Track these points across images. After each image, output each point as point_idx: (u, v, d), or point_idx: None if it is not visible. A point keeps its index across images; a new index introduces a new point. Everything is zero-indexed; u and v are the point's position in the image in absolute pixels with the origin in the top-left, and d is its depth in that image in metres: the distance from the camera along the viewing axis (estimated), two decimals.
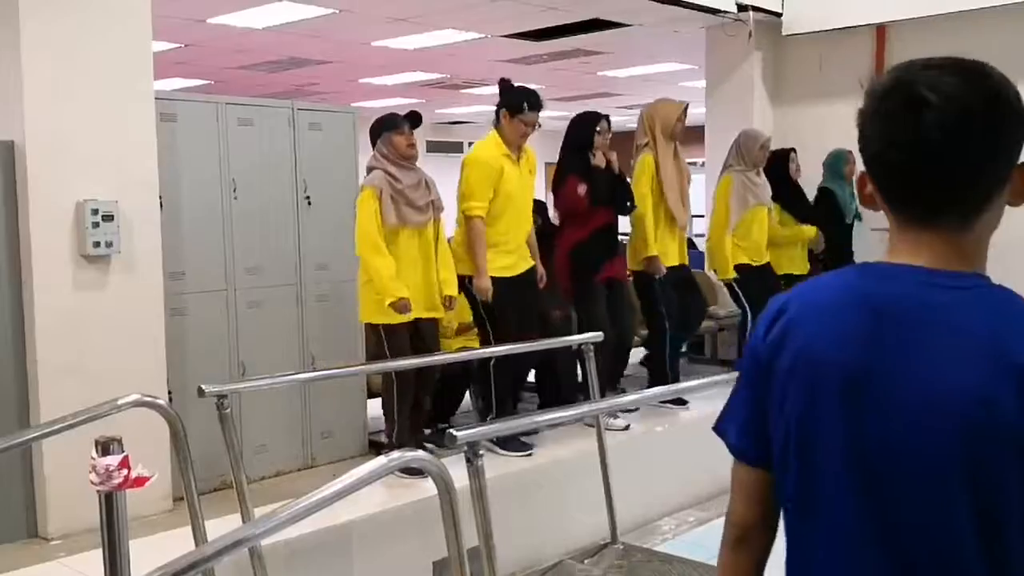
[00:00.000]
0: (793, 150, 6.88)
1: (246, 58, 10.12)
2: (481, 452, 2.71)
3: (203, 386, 3.37)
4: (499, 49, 9.78)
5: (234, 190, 5.39)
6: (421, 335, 4.84)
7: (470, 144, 17.37)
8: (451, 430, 2.68)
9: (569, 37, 9.01)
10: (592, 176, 5.57)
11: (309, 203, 5.69)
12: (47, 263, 4.44)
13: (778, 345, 1.31)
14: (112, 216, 4.53)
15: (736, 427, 1.40)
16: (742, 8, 7.61)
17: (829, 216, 6.87)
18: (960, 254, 1.26)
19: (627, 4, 7.48)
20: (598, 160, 5.61)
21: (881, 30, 7.91)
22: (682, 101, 5.99)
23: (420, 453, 2.29)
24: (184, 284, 5.18)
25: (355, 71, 11.31)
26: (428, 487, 2.39)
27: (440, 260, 4.85)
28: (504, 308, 4.99)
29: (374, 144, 4.72)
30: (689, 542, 4.73)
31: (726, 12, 7.57)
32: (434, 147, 17.57)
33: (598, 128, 5.60)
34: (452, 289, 4.82)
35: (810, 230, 6.73)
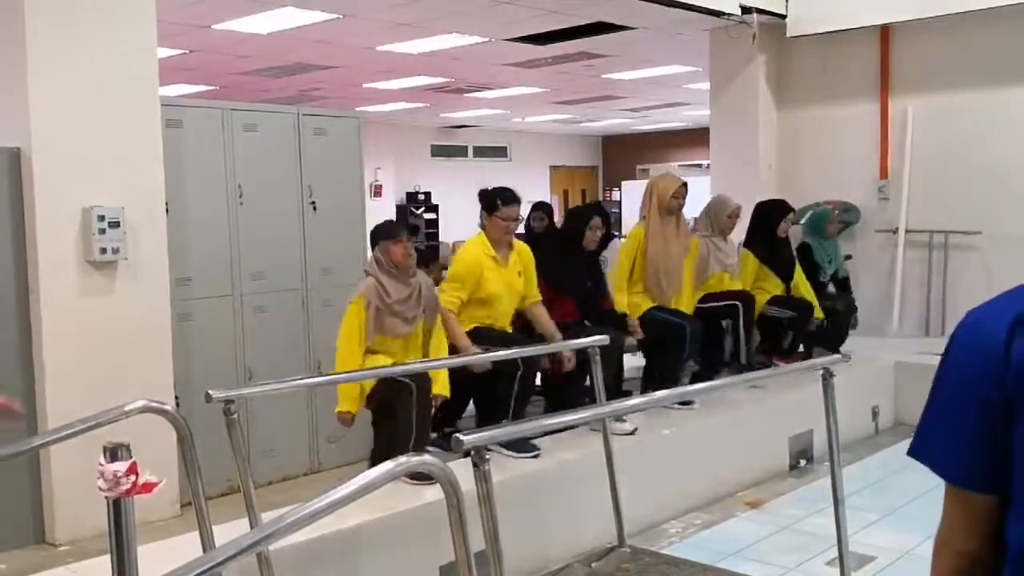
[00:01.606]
0: (792, 211, 6.85)
1: (251, 63, 10.15)
2: (487, 456, 2.71)
3: (210, 391, 3.37)
4: (503, 53, 9.79)
5: (239, 196, 5.40)
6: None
7: (474, 148, 17.52)
8: (457, 434, 2.68)
9: (573, 40, 9.02)
10: (572, 274, 5.66)
11: (314, 208, 5.70)
12: (54, 269, 4.45)
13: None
14: (118, 222, 4.55)
15: (954, 448, 1.29)
16: (746, 10, 7.60)
17: (806, 271, 6.88)
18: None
19: (631, 7, 7.48)
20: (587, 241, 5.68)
21: (885, 31, 7.91)
22: (681, 179, 6.03)
23: (427, 457, 2.29)
24: (190, 290, 5.19)
25: (360, 76, 11.32)
26: (435, 491, 2.39)
27: (432, 355, 4.83)
28: (495, 340, 5.05)
29: (373, 248, 4.74)
30: (696, 545, 4.73)
31: (730, 14, 7.57)
32: (438, 151, 17.61)
33: (590, 224, 5.68)
34: (442, 389, 4.79)
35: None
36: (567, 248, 5.73)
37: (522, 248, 5.32)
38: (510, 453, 4.82)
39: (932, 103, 7.77)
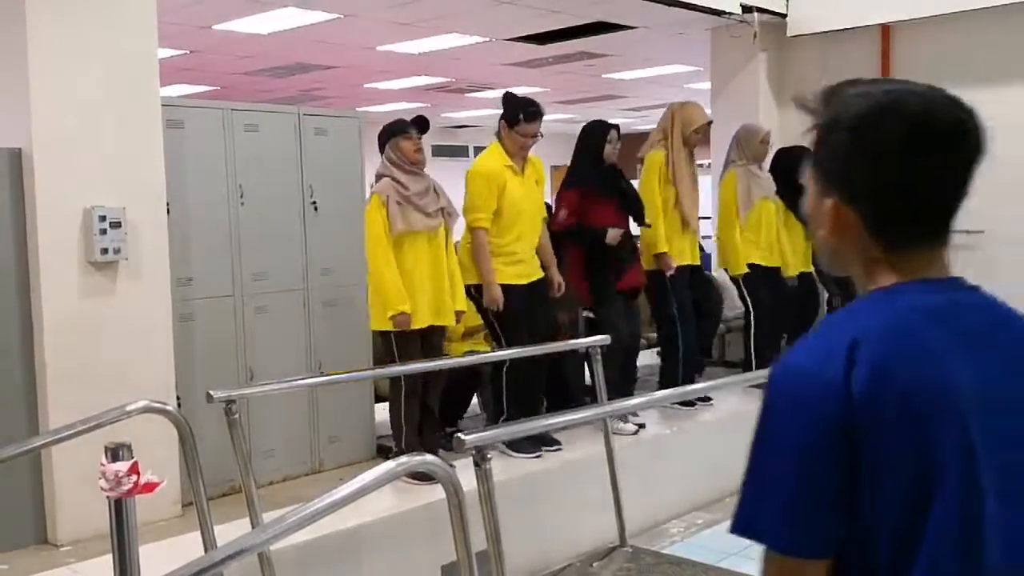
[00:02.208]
0: (807, 149, 6.86)
1: (252, 64, 10.15)
2: (489, 456, 2.71)
3: (211, 391, 3.38)
4: (504, 53, 9.79)
5: (241, 196, 5.40)
6: (430, 342, 4.84)
7: (475, 148, 17.49)
8: (459, 434, 2.68)
9: (574, 40, 9.02)
10: (608, 179, 5.58)
11: (316, 209, 5.69)
12: (55, 270, 4.45)
13: (875, 391, 1.10)
14: (119, 223, 4.55)
15: (800, 517, 1.13)
16: (747, 9, 7.60)
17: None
18: (947, 261, 1.28)
19: (631, 7, 7.48)
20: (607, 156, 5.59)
21: (886, 30, 7.90)
22: (708, 115, 5.97)
23: (428, 457, 2.29)
24: (191, 290, 5.19)
25: (360, 76, 11.32)
26: (436, 491, 2.39)
27: (449, 271, 4.83)
28: (516, 317, 4.97)
29: (382, 150, 4.71)
30: (698, 545, 4.73)
31: (731, 14, 7.57)
32: (439, 151, 17.59)
33: (608, 137, 5.60)
34: (460, 303, 4.81)
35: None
36: (593, 161, 5.61)
37: (536, 160, 5.22)
38: (515, 454, 4.82)
39: None
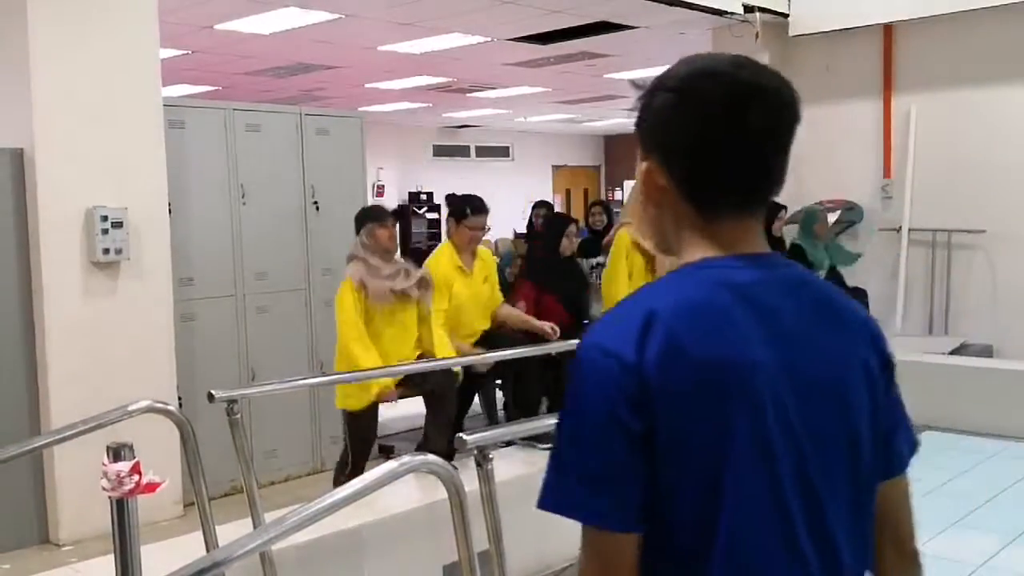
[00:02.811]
0: (784, 208, 6.89)
1: (253, 64, 10.15)
2: (491, 456, 2.71)
3: (213, 391, 3.37)
4: (505, 52, 9.78)
5: (242, 196, 5.40)
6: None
7: (476, 148, 17.51)
8: (460, 434, 2.68)
9: (575, 40, 9.01)
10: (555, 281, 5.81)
11: (317, 208, 5.70)
12: (57, 270, 4.46)
13: (667, 364, 1.11)
14: (121, 223, 4.55)
15: (603, 491, 1.12)
16: (748, 9, 7.60)
17: None
18: (763, 238, 1.28)
19: (633, 6, 7.48)
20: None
21: (888, 29, 7.90)
22: None
23: (430, 457, 2.29)
24: (193, 290, 5.19)
25: (362, 76, 11.32)
26: (438, 491, 2.39)
27: (425, 340, 4.82)
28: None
29: (358, 231, 4.70)
30: None
31: (732, 13, 7.56)
32: (440, 151, 17.59)
33: (566, 232, 5.84)
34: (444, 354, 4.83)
35: None
36: (547, 255, 5.88)
37: (484, 254, 5.40)
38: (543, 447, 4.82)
39: (935, 101, 7.76)
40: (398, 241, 4.77)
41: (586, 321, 5.98)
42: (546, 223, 6.24)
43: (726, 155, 1.21)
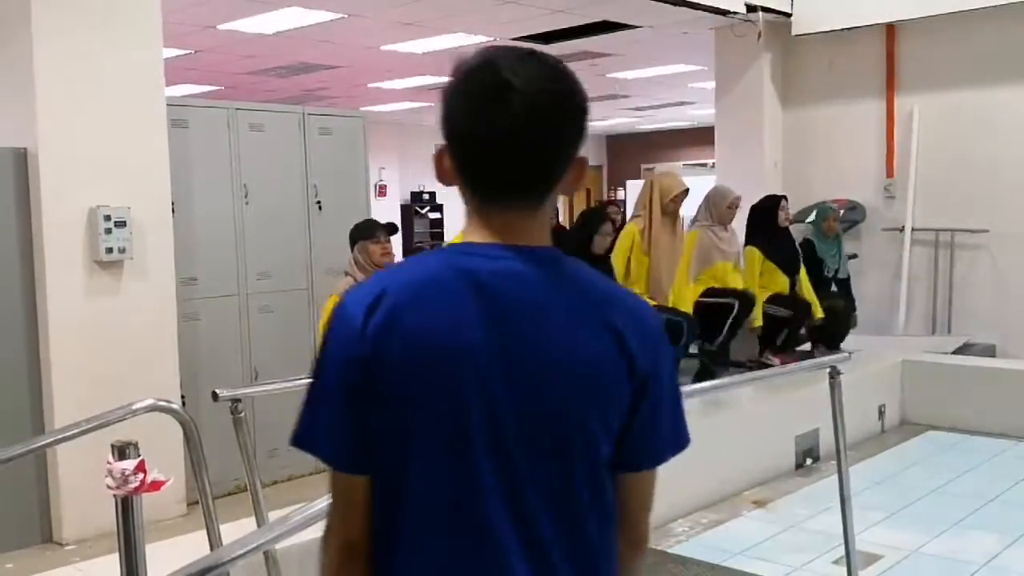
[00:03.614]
0: (784, 198, 6.86)
1: (256, 63, 10.15)
2: None
3: (217, 390, 3.37)
4: None
5: (245, 195, 5.41)
6: None
7: None
8: None
9: (578, 39, 9.01)
10: None
11: (320, 208, 5.70)
12: (60, 269, 4.46)
13: (385, 334, 1.24)
14: (124, 222, 4.55)
15: (333, 433, 1.28)
16: (751, 9, 7.59)
17: (809, 267, 6.89)
18: (531, 233, 1.30)
19: (635, 6, 7.47)
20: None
21: (891, 29, 7.89)
22: (684, 184, 6.03)
23: None
24: (196, 289, 5.20)
25: (364, 75, 11.33)
26: None
27: None
28: None
29: (352, 248, 4.72)
30: (702, 544, 4.72)
31: (735, 13, 7.56)
32: None
33: (600, 230, 5.73)
34: None
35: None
36: (578, 252, 5.76)
37: None
38: None
39: (938, 101, 7.76)
40: (393, 254, 4.74)
41: None
42: (579, 218, 6.10)
43: (479, 148, 1.27)
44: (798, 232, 7.29)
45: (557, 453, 1.27)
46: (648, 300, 5.86)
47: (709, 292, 6.30)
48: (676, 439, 1.37)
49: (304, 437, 1.32)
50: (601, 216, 6.00)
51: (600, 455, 1.29)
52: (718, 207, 6.39)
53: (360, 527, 1.30)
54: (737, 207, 6.46)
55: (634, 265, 5.87)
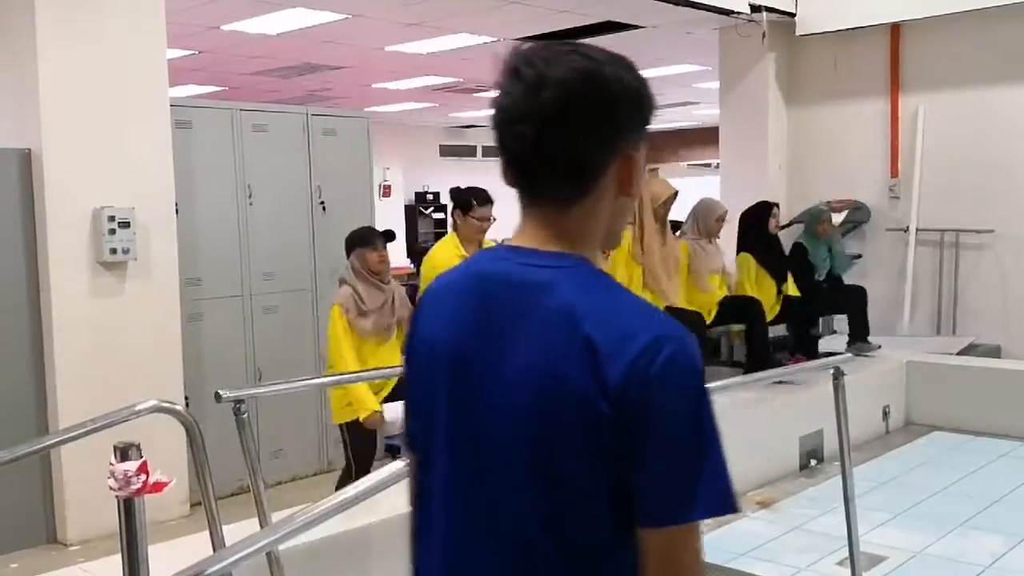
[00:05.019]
0: (776, 205, 6.84)
1: (260, 64, 10.16)
2: None
3: (220, 391, 3.37)
4: None
5: (249, 196, 5.41)
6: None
7: (483, 148, 17.50)
8: None
9: (582, 40, 9.01)
10: None
11: (324, 209, 5.70)
12: (64, 270, 4.47)
13: (412, 328, 1.34)
14: (128, 223, 4.56)
15: (406, 421, 1.37)
16: (755, 9, 7.58)
17: (801, 271, 6.85)
18: (562, 235, 1.23)
19: (640, 6, 7.47)
20: None
21: (895, 29, 7.87)
22: (674, 188, 6.00)
23: None
24: (200, 290, 5.20)
25: (369, 76, 11.33)
26: None
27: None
28: None
29: (348, 255, 4.73)
30: (706, 544, 4.68)
31: (739, 13, 7.55)
32: (447, 151, 17.60)
33: None
34: None
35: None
36: None
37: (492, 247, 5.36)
38: None
39: (943, 101, 7.74)
40: (390, 262, 4.76)
41: None
42: None
43: (497, 134, 1.24)
44: (793, 234, 7.28)
45: (502, 479, 1.18)
46: (658, 301, 5.86)
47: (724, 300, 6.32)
48: (687, 498, 1.12)
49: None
50: None
51: (567, 487, 1.15)
52: (706, 221, 6.39)
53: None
54: (724, 220, 6.44)
55: (625, 273, 5.84)
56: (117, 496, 2.34)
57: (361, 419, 4.54)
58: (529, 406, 1.16)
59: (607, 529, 1.15)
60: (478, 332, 1.22)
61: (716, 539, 4.82)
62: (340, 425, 4.73)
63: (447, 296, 1.29)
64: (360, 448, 4.68)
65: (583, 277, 1.21)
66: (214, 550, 3.12)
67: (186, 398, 4.79)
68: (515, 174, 1.24)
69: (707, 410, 1.15)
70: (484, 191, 5.23)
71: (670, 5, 7.22)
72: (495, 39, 9.04)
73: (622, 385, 1.11)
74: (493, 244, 5.44)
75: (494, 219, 5.34)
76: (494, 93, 1.23)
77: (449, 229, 5.48)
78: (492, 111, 1.24)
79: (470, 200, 5.15)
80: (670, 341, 1.13)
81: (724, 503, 1.14)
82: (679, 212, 6.43)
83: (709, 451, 1.14)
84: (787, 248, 6.97)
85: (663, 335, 1.14)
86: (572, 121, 1.18)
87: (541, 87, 1.17)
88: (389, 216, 13.03)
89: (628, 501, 1.13)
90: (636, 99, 1.23)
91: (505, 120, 1.21)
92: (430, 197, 17.08)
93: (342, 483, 4.79)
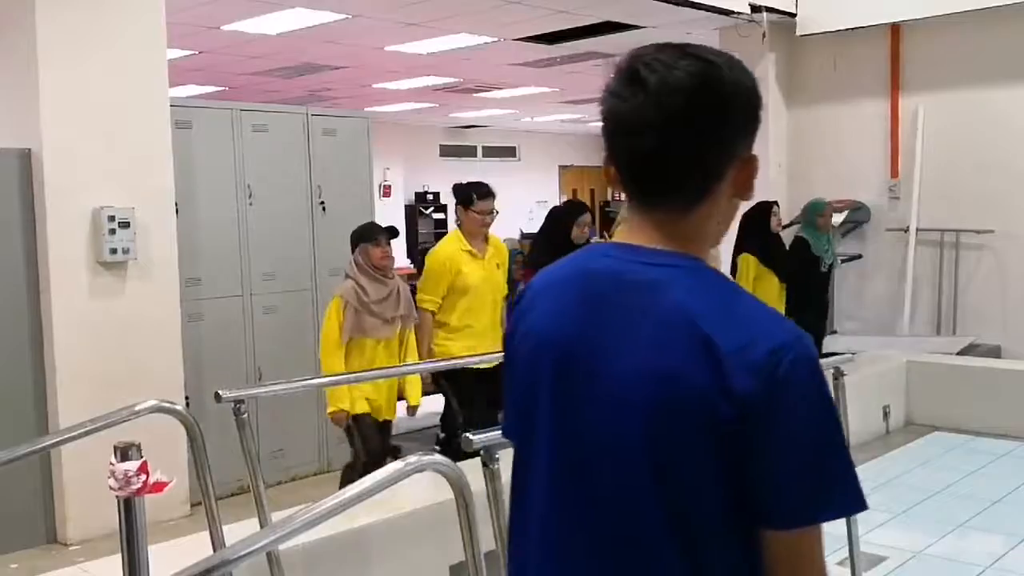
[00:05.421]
0: (775, 203, 6.83)
1: (260, 64, 10.16)
2: (497, 456, 2.71)
3: (220, 391, 3.37)
4: (512, 53, 9.78)
5: (249, 196, 5.41)
6: (385, 432, 4.90)
7: (483, 148, 17.51)
8: (467, 434, 2.67)
9: (582, 40, 9.01)
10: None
11: (324, 209, 5.70)
12: (64, 270, 4.47)
13: (517, 322, 1.31)
14: (128, 223, 4.56)
15: (506, 411, 1.37)
16: (755, 9, 7.59)
17: (805, 265, 6.85)
18: (677, 236, 1.22)
19: (640, 6, 7.47)
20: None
21: (895, 29, 7.88)
22: None
23: (437, 457, 2.29)
24: (200, 290, 5.20)
25: (369, 76, 11.33)
26: (444, 491, 2.39)
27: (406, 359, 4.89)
28: (471, 398, 5.05)
29: (353, 250, 4.75)
30: None
31: (739, 13, 7.55)
32: (447, 151, 17.61)
33: (578, 221, 5.65)
34: (414, 399, 4.88)
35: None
36: (555, 241, 5.69)
37: (498, 242, 5.36)
38: None
39: (943, 101, 7.74)
40: (394, 257, 4.77)
41: None
42: (553, 212, 6.09)
43: (607, 143, 1.23)
44: (792, 230, 7.26)
45: (616, 478, 1.17)
46: None
47: None
48: (820, 498, 1.11)
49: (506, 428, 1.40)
50: (581, 206, 5.99)
51: (686, 488, 1.13)
52: None
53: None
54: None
55: None
56: (117, 496, 2.34)
57: (328, 412, 4.59)
58: (644, 405, 1.14)
59: (725, 530, 1.14)
60: (585, 328, 1.20)
61: None
62: (350, 418, 4.75)
63: (550, 292, 1.27)
64: (367, 443, 4.68)
65: (700, 277, 1.20)
66: (214, 550, 3.12)
67: (186, 398, 4.79)
68: (634, 181, 1.23)
69: (834, 409, 1.15)
70: (485, 185, 5.24)
71: (670, 5, 7.23)
72: (495, 39, 9.04)
73: (747, 387, 1.10)
74: (497, 238, 5.43)
75: (496, 212, 5.33)
76: (607, 99, 1.22)
77: (450, 228, 5.49)
78: (605, 118, 1.22)
79: (471, 194, 5.16)
80: (794, 343, 1.13)
81: (858, 501, 1.13)
82: None
83: (840, 451, 1.14)
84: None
85: (787, 337, 1.14)
86: (698, 126, 1.18)
87: (666, 92, 1.16)
88: (389, 216, 13.01)
89: (747, 503, 1.13)
90: (754, 100, 1.25)
91: (624, 127, 1.19)
92: (430, 197, 17.08)
93: (345, 476, 4.80)
